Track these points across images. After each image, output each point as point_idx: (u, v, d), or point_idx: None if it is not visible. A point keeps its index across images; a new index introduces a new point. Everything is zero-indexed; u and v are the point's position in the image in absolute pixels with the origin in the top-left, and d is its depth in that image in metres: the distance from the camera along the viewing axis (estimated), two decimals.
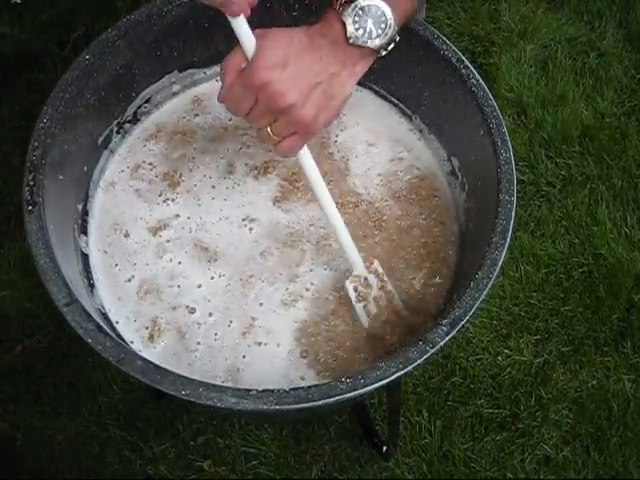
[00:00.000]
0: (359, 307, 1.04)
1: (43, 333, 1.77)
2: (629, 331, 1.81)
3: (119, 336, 1.00)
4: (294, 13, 1.14)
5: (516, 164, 0.99)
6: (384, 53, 0.91)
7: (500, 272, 0.91)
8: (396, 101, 1.19)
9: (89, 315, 0.85)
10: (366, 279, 1.05)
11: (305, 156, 0.93)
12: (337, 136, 1.19)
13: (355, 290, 1.04)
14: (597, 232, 1.93)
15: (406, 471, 1.65)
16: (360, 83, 1.19)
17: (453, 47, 1.04)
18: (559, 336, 1.80)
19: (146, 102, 1.17)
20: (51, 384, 1.72)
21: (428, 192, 1.14)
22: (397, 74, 1.15)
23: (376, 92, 1.21)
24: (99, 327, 0.85)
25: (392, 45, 0.91)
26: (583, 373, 1.76)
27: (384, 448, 1.63)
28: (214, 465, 1.65)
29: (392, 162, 1.17)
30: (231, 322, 1.03)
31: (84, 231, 1.07)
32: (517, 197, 0.95)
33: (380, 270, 1.05)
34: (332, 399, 0.80)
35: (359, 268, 1.04)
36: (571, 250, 1.91)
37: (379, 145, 1.18)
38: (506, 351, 1.78)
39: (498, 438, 1.69)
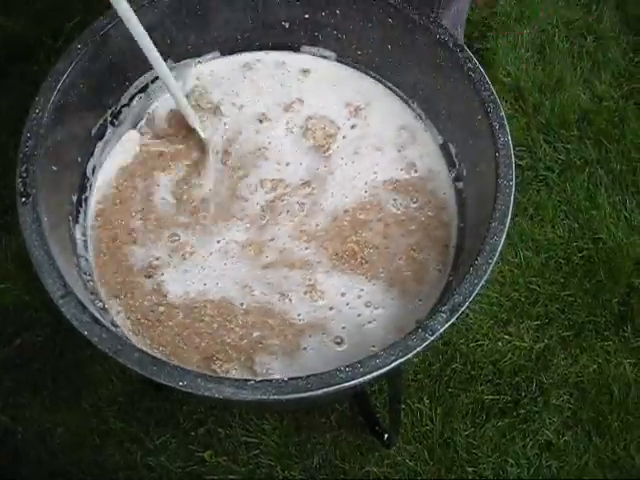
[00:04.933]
0: None
1: (41, 326, 1.76)
2: (629, 315, 1.80)
3: (115, 325, 0.99)
4: None
5: (514, 149, 0.97)
6: None
7: (499, 258, 0.90)
8: (393, 87, 1.18)
9: (84, 307, 0.85)
10: None
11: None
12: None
13: None
14: (596, 216, 1.92)
15: (407, 458, 1.64)
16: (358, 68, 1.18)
17: (449, 31, 1.03)
18: (559, 321, 1.80)
19: (140, 91, 1.16)
20: (50, 377, 1.71)
21: (426, 182, 1.13)
22: (393, 59, 1.14)
23: (373, 77, 1.20)
24: (95, 319, 0.84)
25: None
26: (584, 358, 1.76)
27: (385, 436, 1.63)
28: (215, 455, 1.64)
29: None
30: None
31: (79, 222, 1.06)
32: (516, 182, 0.94)
33: None
34: (331, 388, 0.79)
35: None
36: (570, 235, 1.90)
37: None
38: (506, 337, 1.77)
39: (499, 424, 1.68)
